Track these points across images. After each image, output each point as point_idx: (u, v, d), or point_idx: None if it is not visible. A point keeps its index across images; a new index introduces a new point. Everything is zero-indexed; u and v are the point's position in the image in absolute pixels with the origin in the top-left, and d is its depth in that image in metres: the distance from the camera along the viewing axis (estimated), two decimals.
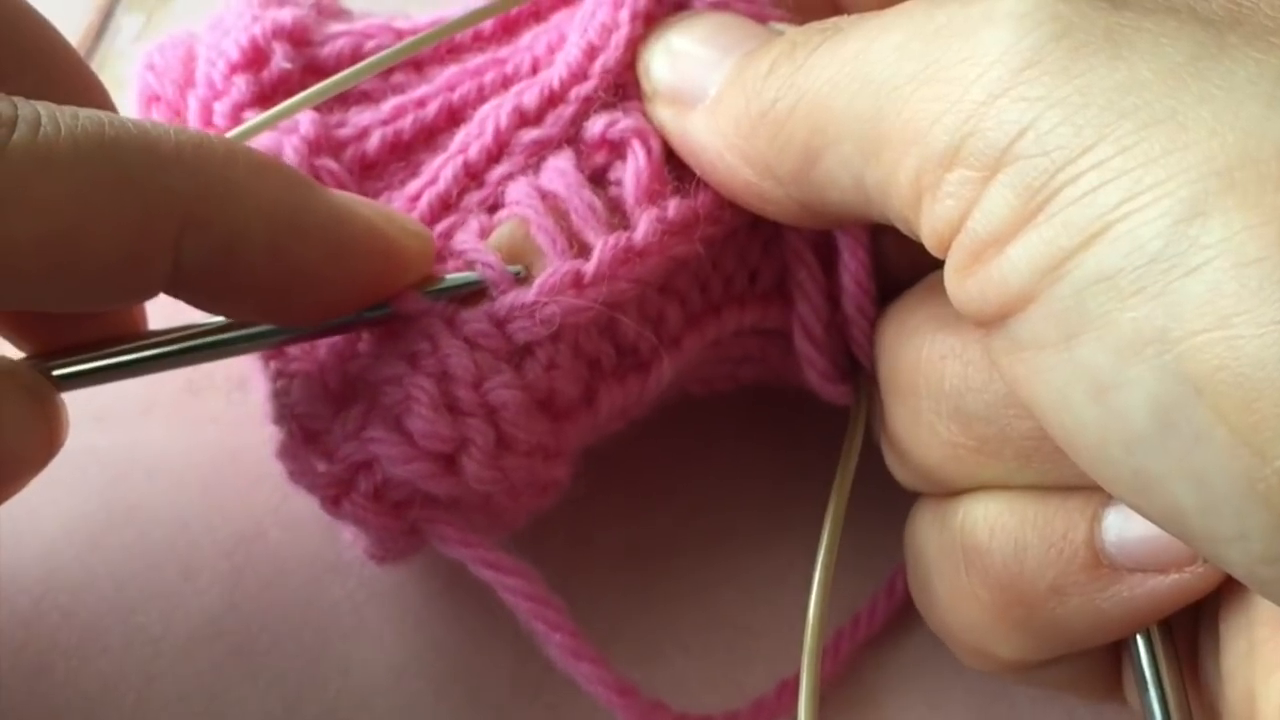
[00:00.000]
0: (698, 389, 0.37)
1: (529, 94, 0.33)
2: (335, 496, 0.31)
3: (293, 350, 0.32)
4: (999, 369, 0.26)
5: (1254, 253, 0.21)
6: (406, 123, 0.34)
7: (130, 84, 0.37)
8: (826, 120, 0.28)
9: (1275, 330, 0.20)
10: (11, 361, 0.28)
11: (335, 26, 0.36)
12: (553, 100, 0.33)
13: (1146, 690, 0.28)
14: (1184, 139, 0.22)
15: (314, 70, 0.35)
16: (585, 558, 0.37)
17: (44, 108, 0.26)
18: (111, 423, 0.39)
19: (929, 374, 0.30)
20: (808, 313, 0.34)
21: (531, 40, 0.35)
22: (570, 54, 0.33)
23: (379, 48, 0.35)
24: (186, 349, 0.30)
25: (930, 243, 0.26)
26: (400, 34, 0.36)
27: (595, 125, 0.33)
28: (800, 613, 0.32)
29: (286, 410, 0.31)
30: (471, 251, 0.31)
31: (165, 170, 0.26)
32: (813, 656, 0.31)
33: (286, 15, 0.35)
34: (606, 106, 0.33)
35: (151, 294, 0.27)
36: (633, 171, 0.32)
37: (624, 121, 0.33)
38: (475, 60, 0.35)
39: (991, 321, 0.25)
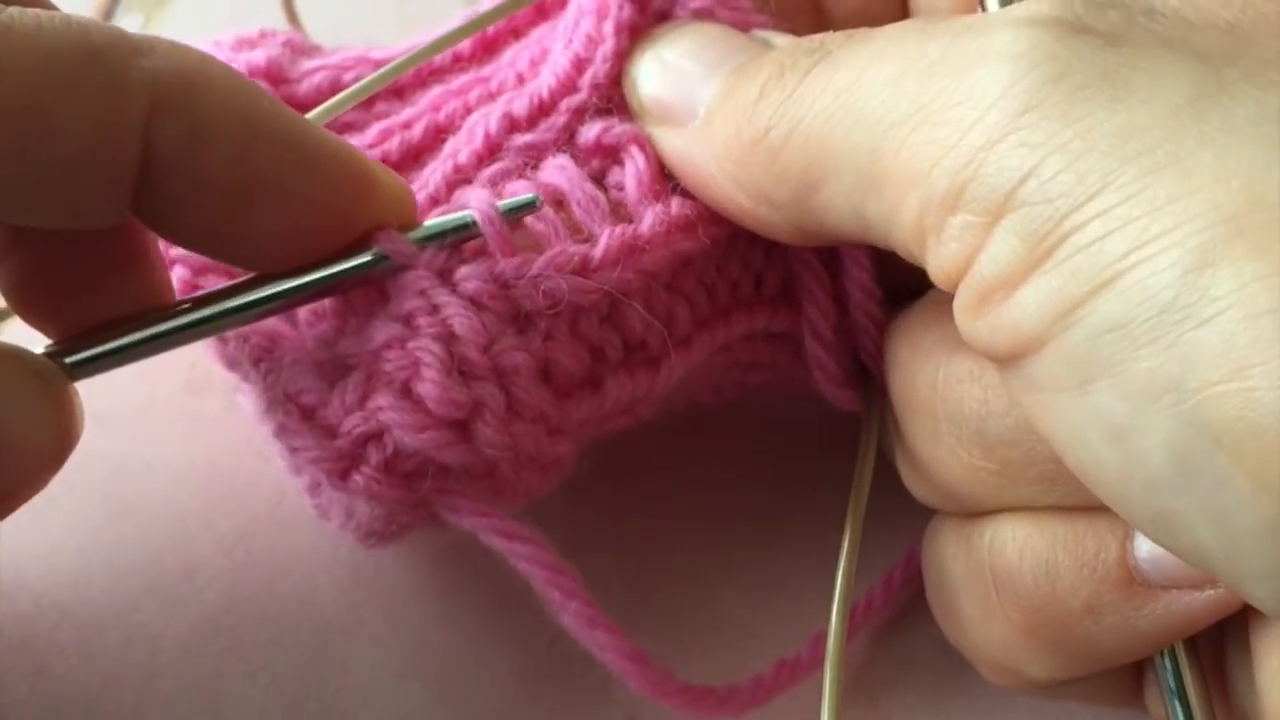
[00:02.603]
0: (707, 398, 0.37)
1: (518, 102, 0.33)
2: (343, 470, 0.30)
3: (279, 332, 0.32)
4: (1017, 403, 0.26)
5: (1266, 304, 0.21)
6: (394, 144, 0.34)
7: None
8: (823, 152, 0.27)
9: None
10: (16, 347, 0.27)
11: (309, 63, 0.36)
12: (543, 109, 0.33)
13: (1173, 702, 0.28)
14: (1188, 185, 0.22)
15: (293, 108, 0.35)
16: (585, 558, 0.37)
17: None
18: (111, 422, 0.39)
19: (947, 397, 0.29)
20: (816, 317, 0.34)
21: (513, 56, 0.35)
22: (558, 64, 0.33)
23: (357, 79, 0.35)
24: (192, 323, 0.29)
25: (938, 280, 0.26)
26: (378, 64, 0.35)
27: (590, 131, 0.33)
28: (799, 613, 0.32)
29: (278, 392, 0.31)
30: (465, 197, 0.31)
31: (137, 52, 0.26)
32: (835, 661, 0.31)
33: (260, 56, 0.35)
34: (601, 113, 0.33)
35: (122, 191, 0.27)
36: (633, 173, 0.32)
37: (619, 127, 0.33)
38: (459, 80, 0.35)
39: (1005, 361, 0.25)
